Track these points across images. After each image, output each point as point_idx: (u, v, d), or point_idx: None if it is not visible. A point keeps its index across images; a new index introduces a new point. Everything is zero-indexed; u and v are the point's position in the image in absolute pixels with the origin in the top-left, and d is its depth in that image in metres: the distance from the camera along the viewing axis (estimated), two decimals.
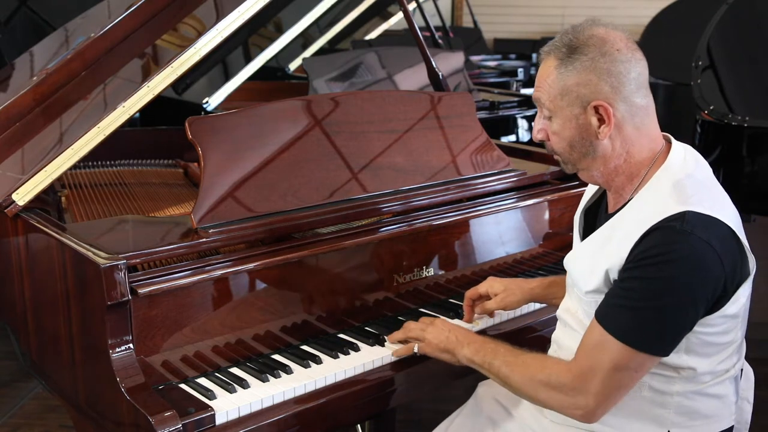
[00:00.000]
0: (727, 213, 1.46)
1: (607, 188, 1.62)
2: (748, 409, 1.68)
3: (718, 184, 1.56)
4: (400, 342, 1.82)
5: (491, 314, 1.98)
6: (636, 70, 1.50)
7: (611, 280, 1.50)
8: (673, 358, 1.48)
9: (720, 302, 1.45)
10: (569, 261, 1.65)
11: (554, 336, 1.74)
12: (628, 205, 1.54)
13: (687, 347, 1.48)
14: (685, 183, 1.48)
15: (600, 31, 1.52)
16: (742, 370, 1.62)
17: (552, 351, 1.74)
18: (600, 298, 1.52)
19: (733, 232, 1.44)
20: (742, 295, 1.49)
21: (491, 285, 1.94)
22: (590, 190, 1.77)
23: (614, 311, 1.46)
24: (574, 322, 1.64)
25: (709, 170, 1.57)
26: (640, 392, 1.53)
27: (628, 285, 1.44)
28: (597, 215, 1.69)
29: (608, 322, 1.46)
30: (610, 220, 1.55)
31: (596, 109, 1.50)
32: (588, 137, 1.53)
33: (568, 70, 1.51)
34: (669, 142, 1.59)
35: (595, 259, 1.53)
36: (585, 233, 1.68)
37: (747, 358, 1.65)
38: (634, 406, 1.54)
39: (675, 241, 1.39)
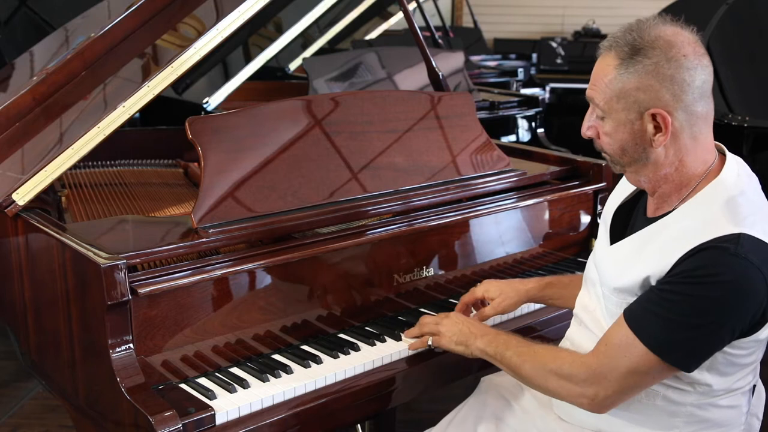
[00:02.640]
0: None
1: (651, 194, 1.56)
2: (757, 425, 1.65)
3: (766, 200, 1.51)
4: (416, 337, 1.83)
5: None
6: (701, 77, 1.44)
7: (649, 286, 1.46)
8: (693, 373, 1.46)
9: (756, 327, 1.42)
10: (599, 260, 1.62)
11: (568, 333, 1.74)
12: (673, 212, 1.48)
13: (711, 365, 1.45)
14: (739, 201, 1.42)
15: (668, 32, 1.45)
16: (754, 386, 1.60)
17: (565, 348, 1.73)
18: (630, 299, 1.49)
19: None
20: None
21: (487, 289, 1.92)
22: (624, 187, 1.71)
23: (648, 317, 1.42)
24: (591, 321, 1.63)
25: (759, 186, 1.52)
26: (653, 401, 1.52)
27: (669, 297, 1.40)
28: (631, 215, 1.65)
29: (639, 327, 1.42)
30: (652, 226, 1.50)
31: (654, 116, 1.43)
32: (642, 144, 1.47)
33: (629, 72, 1.44)
34: (722, 153, 1.53)
35: (631, 261, 1.49)
36: (614, 231, 1.64)
37: None
38: (644, 413, 1.53)
39: (727, 264, 1.35)
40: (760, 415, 1.67)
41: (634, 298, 1.48)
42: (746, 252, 1.35)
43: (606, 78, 1.47)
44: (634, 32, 1.46)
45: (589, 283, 1.66)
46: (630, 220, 1.64)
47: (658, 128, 1.45)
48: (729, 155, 1.53)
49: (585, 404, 1.51)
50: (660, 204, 1.54)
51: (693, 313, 1.38)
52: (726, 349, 1.43)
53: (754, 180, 1.52)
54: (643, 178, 1.53)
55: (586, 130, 1.56)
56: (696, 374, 1.46)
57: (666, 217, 1.49)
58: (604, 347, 1.49)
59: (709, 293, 1.36)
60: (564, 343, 1.75)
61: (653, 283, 1.45)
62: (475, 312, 1.95)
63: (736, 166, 1.51)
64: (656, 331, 1.41)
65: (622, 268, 1.51)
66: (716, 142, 1.55)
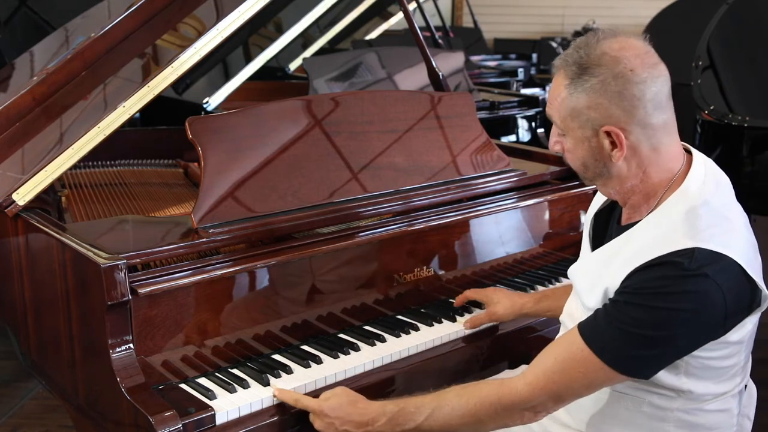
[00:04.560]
0: (739, 246, 1.39)
1: (623, 204, 1.56)
2: (748, 425, 1.64)
3: (737, 206, 1.49)
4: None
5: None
6: (652, 89, 1.41)
7: (607, 300, 1.45)
8: (673, 380, 1.44)
9: (718, 335, 1.40)
10: (575, 272, 1.62)
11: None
12: (640, 223, 1.47)
13: (687, 370, 1.44)
14: (699, 213, 1.40)
15: (614, 47, 1.42)
16: (746, 386, 1.59)
17: None
18: None
19: (743, 268, 1.37)
20: (749, 322, 1.44)
21: (487, 295, 1.96)
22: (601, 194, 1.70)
23: (602, 329, 1.41)
24: None
25: (729, 190, 1.50)
26: (639, 408, 1.50)
27: (623, 309, 1.39)
28: (608, 222, 1.65)
29: (594, 340, 1.41)
30: (620, 237, 1.50)
31: (608, 133, 1.43)
32: (601, 159, 1.47)
33: (578, 92, 1.43)
34: (690, 153, 1.51)
35: (599, 275, 1.49)
36: (594, 239, 1.65)
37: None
38: (632, 420, 1.52)
39: (681, 277, 1.34)
40: (752, 416, 1.66)
41: None
42: (700, 266, 1.33)
43: (559, 97, 1.47)
44: (582, 50, 1.44)
45: (575, 291, 1.66)
46: (607, 226, 1.64)
47: (614, 144, 1.44)
48: (696, 159, 1.50)
49: (527, 419, 1.49)
50: (631, 214, 1.54)
51: (648, 325, 1.36)
52: (696, 353, 1.41)
53: (722, 186, 1.49)
54: (612, 191, 1.54)
55: (554, 145, 1.55)
56: (675, 381, 1.44)
57: (632, 228, 1.48)
58: (551, 361, 1.45)
59: (663, 304, 1.35)
60: None
61: (610, 294, 1.44)
62: (469, 316, 1.98)
63: (703, 171, 1.48)
64: (610, 343, 1.39)
65: (592, 284, 1.51)
66: (684, 144, 1.53)
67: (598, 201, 1.71)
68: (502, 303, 1.94)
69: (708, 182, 1.47)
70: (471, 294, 1.99)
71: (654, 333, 1.36)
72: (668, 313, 1.35)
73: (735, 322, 1.41)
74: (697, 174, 1.47)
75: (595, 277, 1.51)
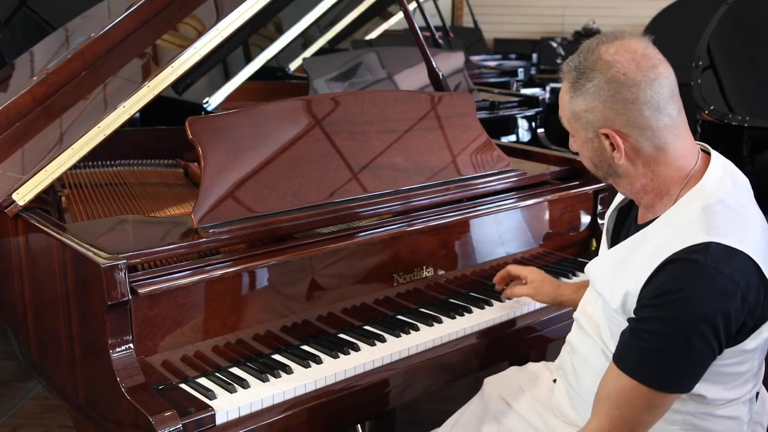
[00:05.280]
0: (755, 244, 1.38)
1: (638, 203, 1.57)
2: None
3: (754, 206, 1.48)
4: None
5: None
6: (647, 92, 1.42)
7: (629, 306, 1.44)
8: None
9: (739, 336, 1.40)
10: (592, 268, 1.61)
11: (569, 337, 1.73)
12: (656, 221, 1.47)
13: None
14: (715, 210, 1.40)
15: (610, 51, 1.44)
16: (758, 393, 1.58)
17: (566, 353, 1.72)
18: (622, 320, 1.47)
19: (757, 265, 1.37)
20: (765, 330, 1.43)
21: (531, 272, 2.00)
22: None
23: (642, 357, 1.39)
24: (589, 325, 1.62)
25: (746, 190, 1.50)
26: None
27: (653, 327, 1.37)
28: (626, 220, 1.65)
29: (627, 365, 1.40)
30: (636, 235, 1.50)
31: (606, 135, 1.46)
32: (605, 160, 1.50)
33: (577, 95, 1.47)
34: (708, 153, 1.51)
35: (616, 275, 1.49)
36: (612, 236, 1.66)
37: None
38: None
39: (698, 276, 1.33)
40: (765, 423, 1.64)
41: (623, 317, 1.47)
42: (716, 262, 1.33)
43: (563, 101, 1.53)
44: (581, 55, 1.49)
45: (593, 287, 1.65)
46: (625, 225, 1.65)
47: (613, 146, 1.47)
48: (714, 158, 1.50)
49: None
50: (646, 212, 1.55)
51: (679, 337, 1.35)
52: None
53: (739, 185, 1.49)
54: (624, 190, 1.56)
55: (571, 145, 1.60)
56: None
57: (648, 227, 1.48)
58: (607, 402, 1.44)
59: (686, 310, 1.34)
60: (565, 348, 1.74)
61: (631, 299, 1.43)
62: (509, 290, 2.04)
63: (721, 170, 1.48)
64: (655, 368, 1.38)
65: (612, 286, 1.50)
66: (700, 143, 1.53)
67: (618, 198, 1.72)
68: (545, 285, 1.97)
69: (725, 181, 1.47)
70: (513, 269, 2.03)
71: (686, 342, 1.35)
72: (693, 319, 1.34)
73: (756, 322, 1.40)
74: (714, 173, 1.47)
75: (612, 275, 1.50)
